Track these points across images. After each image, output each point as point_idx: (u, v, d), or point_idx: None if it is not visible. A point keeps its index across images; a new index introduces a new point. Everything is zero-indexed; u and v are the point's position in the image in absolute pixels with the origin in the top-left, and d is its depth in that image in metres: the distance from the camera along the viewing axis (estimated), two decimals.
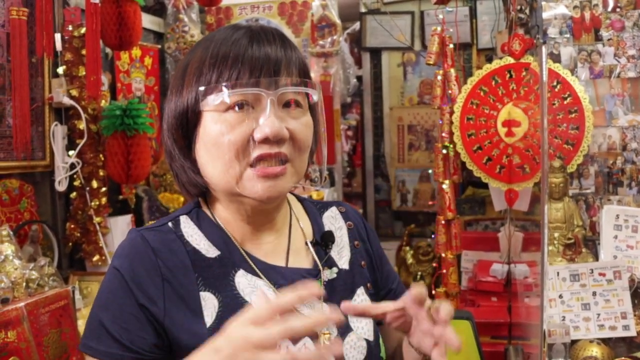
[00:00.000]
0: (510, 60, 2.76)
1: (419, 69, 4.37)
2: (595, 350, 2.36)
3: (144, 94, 3.56)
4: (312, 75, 3.63)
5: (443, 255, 2.94)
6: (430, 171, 4.19)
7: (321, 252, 1.21)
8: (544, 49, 1.59)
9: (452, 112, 2.87)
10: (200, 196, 1.19)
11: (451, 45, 2.95)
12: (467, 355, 2.82)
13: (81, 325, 2.13)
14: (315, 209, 1.30)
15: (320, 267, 1.19)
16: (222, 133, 1.03)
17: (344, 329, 1.15)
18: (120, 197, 3.19)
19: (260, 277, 1.12)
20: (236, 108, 1.03)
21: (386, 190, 4.61)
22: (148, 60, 3.61)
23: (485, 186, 3.81)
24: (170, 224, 1.14)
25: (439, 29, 2.93)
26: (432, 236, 3.25)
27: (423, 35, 4.15)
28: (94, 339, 1.05)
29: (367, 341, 1.17)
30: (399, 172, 4.45)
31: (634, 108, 2.79)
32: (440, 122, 2.94)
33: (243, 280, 1.11)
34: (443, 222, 2.94)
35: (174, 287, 1.06)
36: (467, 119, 2.83)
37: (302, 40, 3.68)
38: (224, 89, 1.01)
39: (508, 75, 2.78)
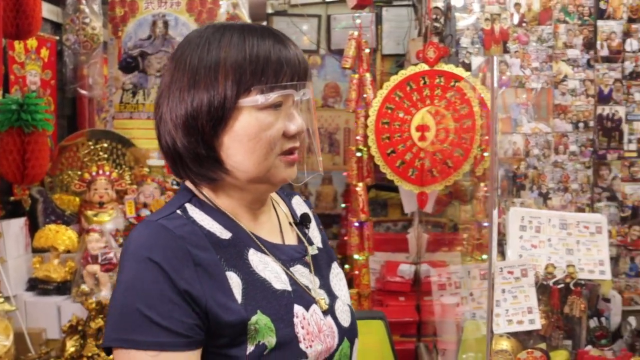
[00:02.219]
0: (424, 67, 2.87)
1: (324, 72, 4.42)
2: (505, 344, 2.50)
3: (40, 87, 3.37)
4: None
5: (356, 257, 3.00)
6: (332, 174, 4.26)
7: (303, 232, 1.37)
8: (495, 59, 1.67)
9: (367, 116, 2.94)
10: (204, 185, 1.23)
11: (367, 50, 3.01)
12: (381, 354, 2.90)
13: None
14: (284, 195, 1.44)
15: (307, 244, 1.33)
16: (261, 129, 1.14)
17: (332, 296, 1.30)
18: (12, 198, 3.00)
19: (268, 254, 1.22)
20: (274, 107, 1.16)
21: None
22: (45, 52, 3.42)
23: (387, 189, 3.94)
24: (179, 211, 1.19)
25: (355, 33, 2.99)
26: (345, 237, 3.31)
27: (329, 38, 4.21)
28: (135, 331, 1.04)
29: (349, 306, 1.34)
30: (301, 174, 4.49)
31: (536, 116, 2.99)
32: (355, 125, 3.01)
33: (255, 258, 1.19)
34: (356, 224, 3.01)
35: (206, 270, 1.12)
36: (382, 123, 2.91)
37: None
38: (271, 89, 1.14)
39: (422, 82, 2.88)
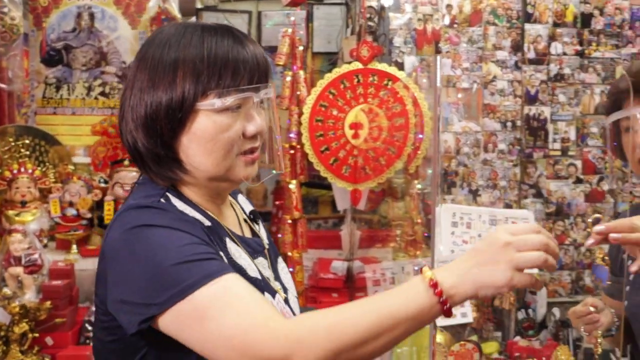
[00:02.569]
0: (358, 65, 2.89)
1: None
2: (439, 338, 2.56)
3: None
4: None
5: (290, 254, 2.99)
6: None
7: (254, 226, 1.42)
8: (438, 60, 1.70)
9: (300, 114, 2.93)
10: (169, 183, 1.25)
11: (300, 48, 3.01)
12: None
13: None
14: (231, 193, 1.45)
15: (262, 237, 1.40)
16: (219, 131, 1.17)
17: (284, 288, 1.36)
18: None
19: (238, 245, 1.26)
20: (232, 109, 1.17)
21: None
22: None
23: (318, 186, 3.95)
24: (162, 199, 1.20)
25: (289, 30, 2.98)
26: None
27: (259, 35, 4.19)
28: (182, 280, 1.05)
29: (297, 297, 1.41)
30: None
31: (467, 115, 3.08)
32: (289, 122, 3.00)
33: (231, 247, 1.24)
34: (289, 221, 3.00)
35: (211, 242, 1.17)
36: (316, 121, 2.91)
37: (140, 33, 3.51)
38: (228, 93, 1.16)
39: (356, 80, 2.90)
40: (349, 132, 2.93)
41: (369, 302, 1.07)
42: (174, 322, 1.06)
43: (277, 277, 1.37)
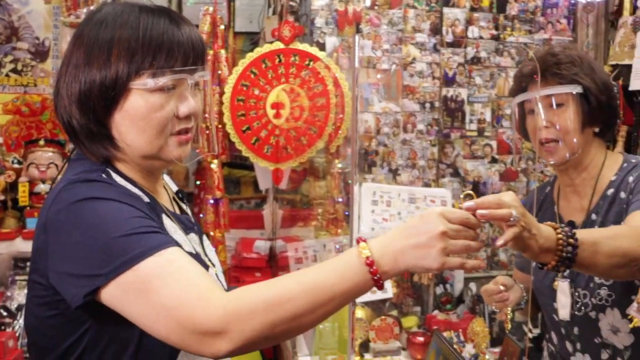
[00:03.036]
0: (280, 45, 2.89)
1: None
2: (360, 313, 2.62)
3: None
4: (64, 46, 3.43)
5: (212, 233, 2.98)
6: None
7: (182, 205, 1.47)
8: (357, 40, 1.72)
9: (222, 93, 2.91)
10: (104, 159, 1.26)
11: (222, 27, 2.99)
12: None
13: None
14: None
15: (189, 214, 1.45)
16: (152, 110, 1.19)
17: (212, 264, 1.40)
18: None
19: (174, 221, 1.29)
20: (165, 89, 1.20)
21: None
22: None
23: (240, 167, 3.94)
24: (103, 174, 1.21)
25: (210, 9, 2.95)
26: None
27: (180, 13, 4.11)
28: (127, 251, 1.06)
29: (222, 274, 1.44)
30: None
31: (386, 96, 3.12)
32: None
33: (167, 222, 1.27)
34: (211, 201, 2.98)
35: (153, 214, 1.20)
36: (238, 100, 2.90)
37: (53, 8, 3.39)
38: (161, 74, 1.18)
39: (277, 60, 2.90)
40: (270, 112, 2.93)
41: (306, 276, 1.09)
42: (118, 293, 1.06)
43: (206, 254, 1.40)
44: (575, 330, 1.89)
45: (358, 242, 1.10)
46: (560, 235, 1.38)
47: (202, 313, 1.02)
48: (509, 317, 2.05)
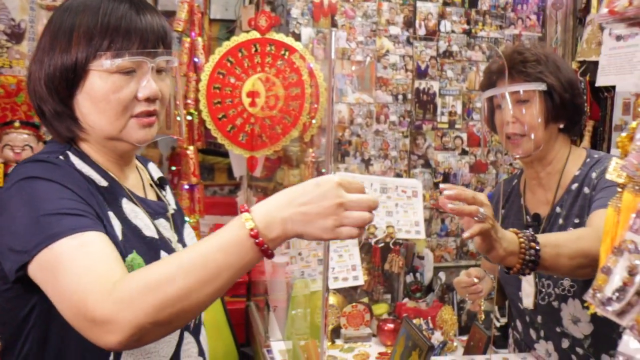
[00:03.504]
0: (256, 34, 2.92)
1: None
2: (332, 299, 2.66)
3: None
4: (40, 28, 3.41)
5: (187, 219, 3.00)
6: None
7: (160, 192, 1.49)
8: (333, 33, 1.76)
9: (198, 80, 2.93)
10: (70, 139, 1.31)
11: (199, 14, 3.00)
12: (214, 314, 2.95)
13: None
14: (142, 160, 1.54)
15: (166, 202, 1.46)
16: (111, 91, 1.24)
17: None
18: None
19: (137, 205, 1.32)
20: (125, 72, 1.25)
21: None
22: None
23: (214, 153, 3.97)
24: (61, 156, 1.26)
25: None
26: None
27: (156, 1, 4.10)
28: (49, 229, 1.08)
29: None
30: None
31: (360, 87, 3.17)
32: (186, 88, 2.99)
33: (127, 207, 1.30)
34: (187, 186, 3.01)
35: (98, 202, 1.21)
36: (214, 88, 2.92)
37: None
38: (118, 55, 1.22)
39: (254, 49, 2.93)
40: (246, 100, 2.96)
41: (189, 255, 1.07)
42: (38, 271, 1.09)
43: (181, 241, 1.43)
44: (539, 318, 1.96)
45: (241, 211, 1.07)
46: (522, 239, 1.46)
47: (94, 300, 1.01)
48: (482, 308, 2.10)
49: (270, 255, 1.06)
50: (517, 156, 1.94)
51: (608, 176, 1.01)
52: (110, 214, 1.23)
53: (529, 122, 1.87)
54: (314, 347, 2.12)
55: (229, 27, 3.84)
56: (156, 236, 1.31)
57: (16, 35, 3.41)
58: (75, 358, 1.20)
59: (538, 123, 1.87)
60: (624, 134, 0.99)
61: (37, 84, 1.28)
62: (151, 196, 1.43)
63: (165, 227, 1.38)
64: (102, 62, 1.22)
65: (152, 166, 1.56)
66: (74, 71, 1.24)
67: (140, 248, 1.25)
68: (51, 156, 1.24)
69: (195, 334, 1.40)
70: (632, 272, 0.85)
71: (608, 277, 0.89)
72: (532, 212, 2.00)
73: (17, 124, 2.95)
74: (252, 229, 1.04)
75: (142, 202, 1.35)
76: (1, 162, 2.90)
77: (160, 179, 1.53)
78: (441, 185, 1.38)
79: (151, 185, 1.47)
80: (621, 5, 0.81)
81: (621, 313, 0.84)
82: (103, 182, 1.28)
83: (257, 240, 1.04)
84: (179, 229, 1.45)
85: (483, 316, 2.13)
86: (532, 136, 1.87)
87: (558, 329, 1.91)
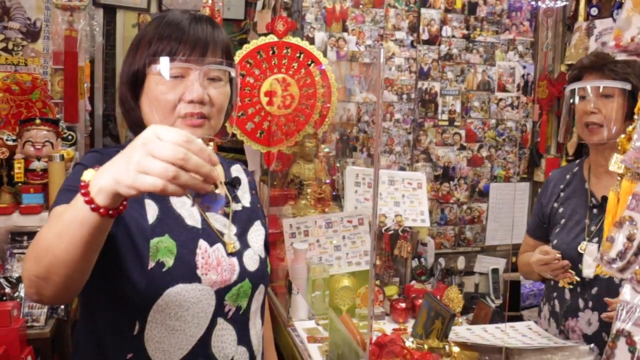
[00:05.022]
0: (274, 38, 3.14)
1: None
2: (346, 282, 2.86)
3: None
4: (55, 27, 3.54)
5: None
6: None
7: (231, 190, 1.60)
8: (382, 51, 2.00)
9: None
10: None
11: (219, 18, 3.21)
12: None
13: None
14: (225, 162, 1.66)
15: (230, 199, 1.57)
16: (161, 93, 1.36)
17: (244, 244, 1.52)
18: None
19: (188, 197, 1.29)
20: (175, 77, 1.36)
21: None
22: None
23: (228, 150, 4.16)
24: (115, 149, 1.40)
25: (210, 1, 3.17)
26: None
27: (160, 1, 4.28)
28: (57, 197, 1.28)
29: (260, 256, 1.55)
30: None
31: (367, 87, 3.39)
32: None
33: (175, 198, 1.42)
34: None
35: None
36: None
37: None
38: (165, 61, 1.33)
39: (271, 52, 3.15)
40: (264, 99, 3.17)
41: (58, 212, 1.19)
42: None
43: (242, 235, 1.53)
44: (594, 290, 2.11)
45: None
46: None
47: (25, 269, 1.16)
48: (574, 278, 2.13)
49: (95, 209, 0.99)
50: (591, 142, 2.14)
51: (611, 168, 1.26)
52: (148, 202, 1.38)
53: (608, 114, 2.07)
54: (350, 320, 2.29)
55: (233, 26, 4.01)
56: (199, 226, 1.42)
57: (32, 33, 3.52)
58: (107, 325, 1.36)
59: (615, 117, 2.07)
60: (622, 136, 1.25)
61: (121, 85, 1.45)
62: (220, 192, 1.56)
63: (218, 219, 1.47)
64: (153, 67, 1.36)
65: (236, 168, 1.69)
66: (135, 75, 1.40)
67: (179, 234, 1.37)
68: (107, 149, 1.42)
69: (235, 322, 1.47)
70: (630, 239, 1.11)
71: (612, 244, 1.15)
72: (598, 196, 2.20)
73: (37, 120, 3.00)
74: (83, 181, 1.03)
75: (198, 196, 1.38)
76: (22, 158, 2.95)
77: (234, 178, 1.62)
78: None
79: (221, 183, 1.54)
80: (625, 41, 1.07)
81: (622, 270, 1.11)
82: None
83: (83, 191, 1.01)
84: (242, 224, 1.54)
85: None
86: (609, 127, 2.07)
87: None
